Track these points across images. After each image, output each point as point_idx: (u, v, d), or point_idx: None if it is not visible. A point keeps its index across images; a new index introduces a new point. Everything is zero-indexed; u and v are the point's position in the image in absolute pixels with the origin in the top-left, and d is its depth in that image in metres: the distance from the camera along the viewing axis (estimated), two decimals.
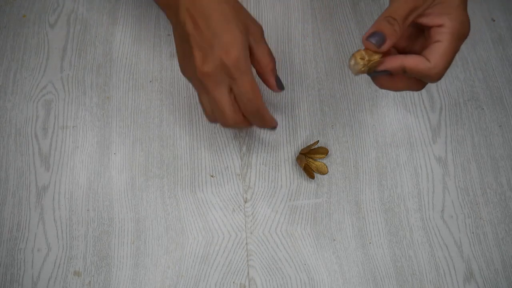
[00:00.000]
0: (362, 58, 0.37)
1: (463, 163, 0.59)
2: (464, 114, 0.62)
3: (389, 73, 0.38)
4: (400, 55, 0.38)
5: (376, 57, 0.37)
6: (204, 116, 0.56)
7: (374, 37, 0.36)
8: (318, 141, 0.54)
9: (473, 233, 0.56)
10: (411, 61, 0.37)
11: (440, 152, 0.60)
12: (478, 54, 0.65)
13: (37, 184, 0.57)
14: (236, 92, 0.41)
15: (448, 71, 0.64)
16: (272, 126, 0.45)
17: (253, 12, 0.67)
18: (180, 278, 0.53)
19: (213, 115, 0.44)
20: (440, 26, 0.36)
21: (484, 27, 0.67)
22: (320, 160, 0.55)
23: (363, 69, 0.38)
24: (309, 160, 0.54)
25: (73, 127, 0.60)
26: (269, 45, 0.65)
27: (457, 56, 0.65)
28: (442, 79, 0.63)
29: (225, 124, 0.44)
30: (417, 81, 0.39)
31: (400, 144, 0.60)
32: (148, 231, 0.55)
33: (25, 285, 0.53)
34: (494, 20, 0.67)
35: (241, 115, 0.43)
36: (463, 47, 0.66)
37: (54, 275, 0.53)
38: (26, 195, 0.56)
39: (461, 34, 0.36)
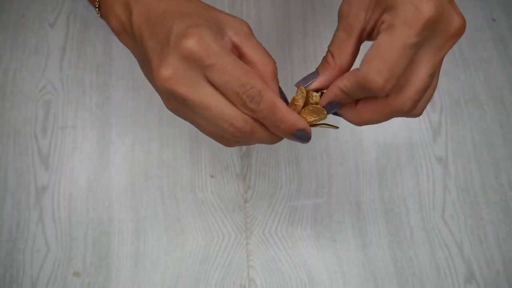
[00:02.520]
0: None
1: (464, 163, 0.59)
2: (464, 114, 0.62)
3: (338, 106, 0.31)
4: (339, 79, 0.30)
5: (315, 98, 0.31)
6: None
7: (304, 78, 0.31)
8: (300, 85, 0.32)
9: (473, 233, 0.56)
10: (344, 78, 0.29)
11: (440, 152, 0.59)
12: (479, 54, 0.65)
13: (37, 185, 0.57)
14: (219, 84, 0.28)
15: (449, 71, 0.64)
16: (297, 128, 0.30)
17: (253, 11, 0.67)
18: (180, 278, 0.53)
19: (213, 130, 0.31)
20: (381, 24, 0.28)
21: (485, 27, 0.67)
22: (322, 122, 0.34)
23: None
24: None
25: (73, 127, 0.60)
26: (269, 45, 0.64)
27: (457, 56, 0.65)
28: (442, 78, 0.63)
29: (234, 133, 0.30)
30: (383, 103, 0.30)
31: (401, 144, 0.60)
32: (147, 232, 0.55)
33: (24, 285, 0.52)
34: (494, 20, 0.67)
35: (247, 114, 0.29)
36: (464, 47, 0.65)
37: (53, 275, 0.53)
38: (25, 196, 0.56)
39: (414, 20, 0.26)
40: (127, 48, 0.35)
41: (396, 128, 0.61)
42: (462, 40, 0.66)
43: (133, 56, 0.35)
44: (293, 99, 0.32)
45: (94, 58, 0.64)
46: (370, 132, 0.60)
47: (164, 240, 0.55)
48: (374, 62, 0.27)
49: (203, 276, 0.53)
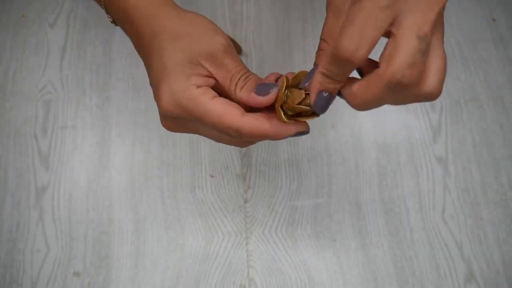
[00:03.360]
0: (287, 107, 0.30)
1: (464, 163, 0.59)
2: (464, 114, 0.62)
3: (329, 100, 0.30)
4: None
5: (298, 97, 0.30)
6: None
7: (307, 76, 0.31)
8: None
9: (473, 233, 0.56)
10: (322, 61, 0.29)
11: (440, 152, 0.59)
12: (479, 54, 0.65)
13: (37, 185, 0.57)
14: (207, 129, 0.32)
15: (449, 71, 0.64)
16: (286, 137, 0.31)
17: (253, 11, 0.67)
18: (180, 278, 0.53)
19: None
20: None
21: (485, 27, 0.67)
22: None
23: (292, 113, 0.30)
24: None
25: (73, 127, 0.60)
26: (269, 45, 0.64)
27: (457, 56, 0.65)
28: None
29: (239, 147, 0.35)
30: (375, 75, 0.28)
31: (401, 144, 0.60)
32: (147, 232, 0.55)
33: (24, 285, 0.52)
34: (494, 20, 0.67)
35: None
36: (464, 47, 0.65)
37: (53, 275, 0.53)
38: (25, 196, 0.56)
39: None
40: (127, 48, 0.36)
41: (396, 128, 0.61)
42: (462, 40, 0.66)
43: (133, 56, 0.35)
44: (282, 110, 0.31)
45: (94, 58, 0.64)
46: (370, 132, 0.60)
47: (164, 240, 0.55)
48: (345, 29, 0.26)
49: (203, 276, 0.53)
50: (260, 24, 0.66)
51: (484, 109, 0.62)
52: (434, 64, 0.28)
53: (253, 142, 0.34)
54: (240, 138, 0.31)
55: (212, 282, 0.53)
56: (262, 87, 0.31)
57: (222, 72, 0.32)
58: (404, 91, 0.28)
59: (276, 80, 0.33)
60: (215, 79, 0.32)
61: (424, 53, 0.27)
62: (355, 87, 0.29)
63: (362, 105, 0.29)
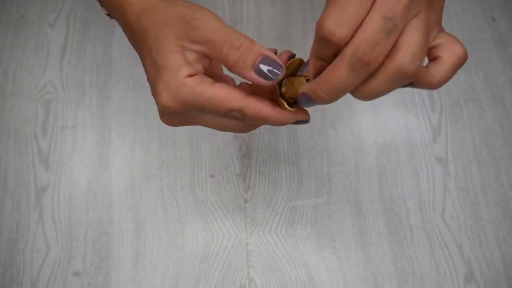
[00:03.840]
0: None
1: (464, 163, 0.59)
2: (464, 114, 0.62)
3: None
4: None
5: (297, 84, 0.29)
6: None
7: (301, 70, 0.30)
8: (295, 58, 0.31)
9: (473, 233, 0.56)
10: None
11: (440, 152, 0.59)
12: (479, 54, 0.65)
13: (37, 185, 0.57)
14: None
15: None
16: (288, 123, 0.31)
17: (253, 11, 0.67)
18: (180, 278, 0.53)
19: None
20: None
21: (485, 27, 0.67)
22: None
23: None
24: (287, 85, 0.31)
25: (73, 127, 0.60)
26: (269, 45, 0.64)
27: None
28: None
29: (243, 133, 0.35)
30: (340, 54, 0.27)
31: (401, 144, 0.60)
32: (147, 232, 0.55)
33: (24, 285, 0.52)
34: (494, 20, 0.67)
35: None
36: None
37: (53, 275, 0.53)
38: (25, 196, 0.56)
39: None
40: (127, 48, 0.36)
41: (396, 128, 0.61)
42: (462, 40, 0.65)
43: (133, 56, 0.35)
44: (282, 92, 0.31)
45: (94, 58, 0.64)
46: (370, 132, 0.60)
47: (164, 240, 0.55)
48: (326, 8, 0.27)
49: (203, 276, 0.53)
50: (260, 24, 0.66)
51: (484, 109, 0.62)
52: (405, 39, 0.27)
53: (255, 126, 0.33)
54: (243, 120, 0.30)
55: (212, 282, 0.53)
56: (263, 66, 0.29)
57: (208, 45, 0.30)
58: (368, 70, 0.27)
59: (289, 59, 0.31)
60: (208, 56, 0.30)
61: (389, 33, 0.26)
62: (320, 76, 0.28)
63: (328, 93, 0.28)
